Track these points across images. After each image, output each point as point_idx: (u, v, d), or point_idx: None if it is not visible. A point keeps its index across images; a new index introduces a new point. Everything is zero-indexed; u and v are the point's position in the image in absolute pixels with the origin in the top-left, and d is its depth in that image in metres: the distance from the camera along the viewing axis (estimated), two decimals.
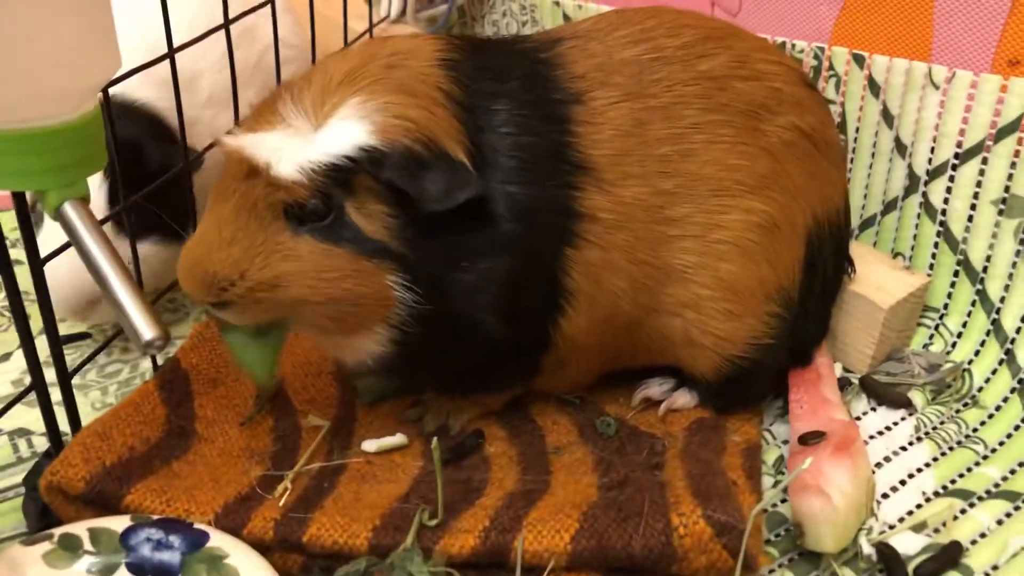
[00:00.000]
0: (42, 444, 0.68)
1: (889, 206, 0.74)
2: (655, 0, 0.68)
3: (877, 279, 0.68)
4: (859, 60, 0.73)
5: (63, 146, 0.46)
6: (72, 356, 0.76)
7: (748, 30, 0.78)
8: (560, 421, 0.63)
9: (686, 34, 0.59)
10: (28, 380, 0.59)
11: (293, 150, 0.51)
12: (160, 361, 0.71)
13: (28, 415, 0.70)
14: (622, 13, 0.61)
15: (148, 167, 0.71)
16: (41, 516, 0.59)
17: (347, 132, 0.50)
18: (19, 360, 0.76)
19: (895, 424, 0.65)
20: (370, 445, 0.61)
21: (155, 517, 0.53)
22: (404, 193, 0.50)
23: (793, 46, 0.78)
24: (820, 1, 0.77)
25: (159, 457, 0.59)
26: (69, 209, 0.47)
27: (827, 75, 0.76)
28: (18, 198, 0.54)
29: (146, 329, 0.45)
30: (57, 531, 0.52)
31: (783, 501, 0.59)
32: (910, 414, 0.65)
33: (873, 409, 0.66)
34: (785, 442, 0.64)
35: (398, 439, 0.62)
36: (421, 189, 0.50)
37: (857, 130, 0.75)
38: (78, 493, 0.56)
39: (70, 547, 0.52)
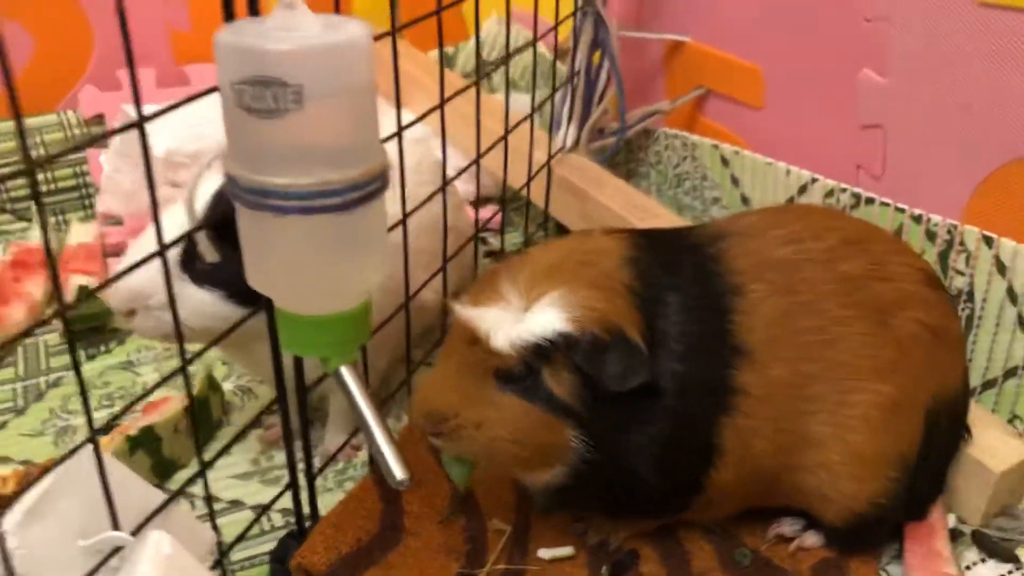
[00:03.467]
0: (277, 519, 0.84)
1: (1009, 373, 0.83)
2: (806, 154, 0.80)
3: (992, 443, 0.77)
4: (988, 241, 0.82)
5: (346, 327, 0.62)
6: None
7: (888, 197, 0.89)
8: (704, 548, 0.75)
9: (829, 238, 0.70)
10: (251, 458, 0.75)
11: (506, 327, 0.65)
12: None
13: (266, 493, 0.87)
14: (777, 213, 0.73)
15: None
16: None
17: (549, 319, 0.64)
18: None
19: None
20: (545, 553, 0.75)
21: None
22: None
23: (929, 219, 0.87)
24: (956, 177, 0.87)
25: (379, 548, 0.74)
26: (344, 371, 0.63)
27: (959, 248, 0.85)
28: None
29: (399, 471, 0.60)
30: None
31: None
32: (1017, 568, 0.74)
33: (983, 560, 0.75)
34: None
35: (568, 550, 0.75)
36: (603, 371, 0.63)
37: (984, 300, 0.84)
38: (319, 575, 0.71)
39: None
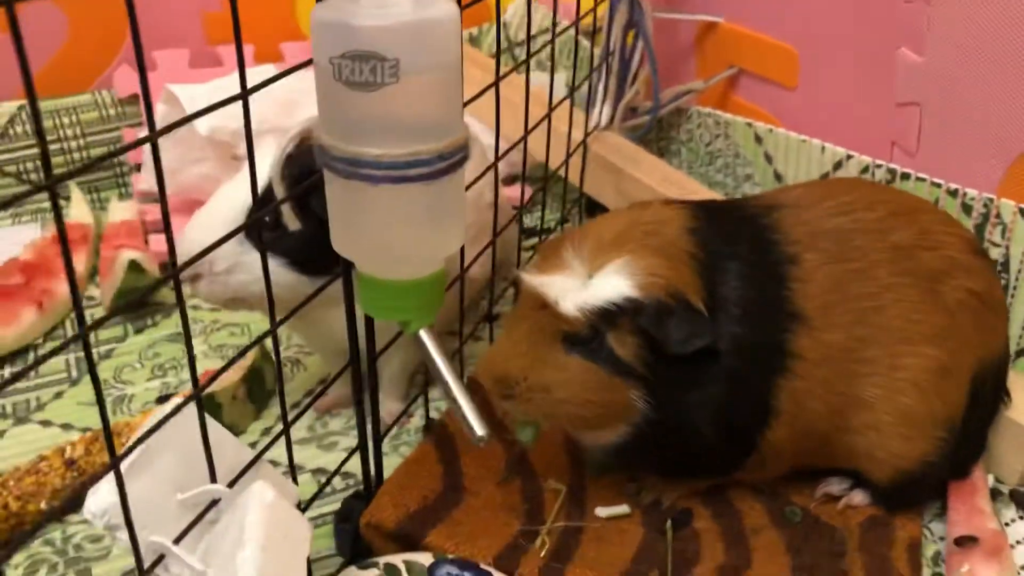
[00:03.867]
0: (336, 482, 0.87)
1: None
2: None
3: None
4: (1023, 212, 0.85)
5: (425, 292, 0.64)
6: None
7: (925, 173, 0.91)
8: (755, 506, 0.78)
9: (879, 209, 0.73)
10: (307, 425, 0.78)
11: (574, 292, 0.68)
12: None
13: (324, 458, 0.90)
14: (826, 186, 0.77)
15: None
16: (352, 545, 0.78)
17: (615, 285, 0.67)
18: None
19: None
20: (602, 512, 0.78)
21: (450, 556, 0.71)
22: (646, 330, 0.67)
23: (965, 193, 0.90)
24: (990, 154, 0.90)
25: (443, 507, 0.77)
26: (423, 333, 0.65)
27: (995, 221, 0.88)
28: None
29: (479, 428, 0.63)
30: (381, 560, 0.71)
31: None
32: None
33: (1021, 517, 0.79)
34: (941, 539, 0.77)
35: (624, 508, 0.78)
36: (667, 335, 0.66)
37: (1019, 271, 0.87)
38: (389, 531, 0.74)
39: (392, 574, 0.70)
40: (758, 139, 1.13)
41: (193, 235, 0.81)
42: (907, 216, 0.74)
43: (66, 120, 1.39)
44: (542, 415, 0.72)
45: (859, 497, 0.77)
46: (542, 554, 0.73)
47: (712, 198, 1.01)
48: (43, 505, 0.82)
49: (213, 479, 0.59)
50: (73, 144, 1.40)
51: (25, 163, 1.38)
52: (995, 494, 0.80)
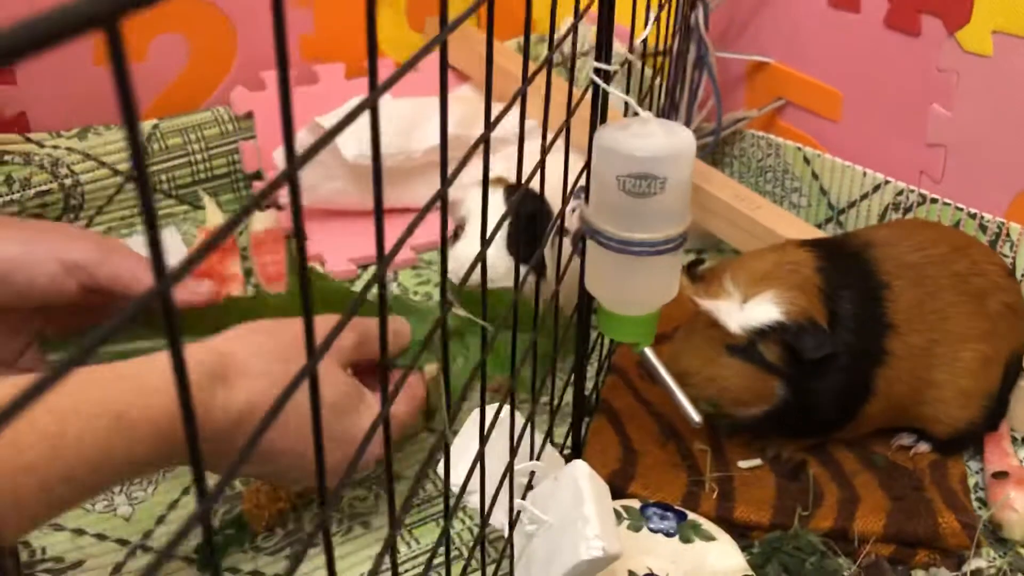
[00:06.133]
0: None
1: None
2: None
3: None
4: None
5: (650, 322, 0.92)
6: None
7: (949, 198, 1.22)
8: (848, 456, 1.09)
9: (943, 246, 1.04)
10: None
11: (736, 315, 0.96)
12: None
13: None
14: (904, 227, 1.06)
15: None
16: None
17: (768, 310, 0.95)
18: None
19: None
20: (743, 464, 1.08)
21: (651, 501, 1.00)
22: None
23: (981, 216, 1.21)
24: (1001, 185, 1.21)
25: (631, 465, 1.06)
26: (647, 351, 0.94)
27: (1004, 239, 1.19)
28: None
29: (694, 415, 0.92)
30: None
31: (980, 509, 1.05)
32: None
33: None
34: (978, 472, 1.09)
35: (757, 461, 1.08)
36: (803, 346, 0.95)
37: (1022, 278, 1.19)
38: None
39: (615, 516, 0.99)
40: (807, 160, 1.42)
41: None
42: (962, 251, 1.04)
43: (192, 136, 1.60)
44: (708, 398, 1.01)
45: (924, 447, 1.08)
46: (713, 496, 1.02)
47: (775, 210, 1.31)
48: None
49: (531, 456, 0.87)
50: (199, 157, 1.61)
51: (160, 176, 1.59)
52: (1013, 440, 1.12)
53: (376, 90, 0.40)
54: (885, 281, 1.01)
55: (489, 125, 0.58)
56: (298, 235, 0.36)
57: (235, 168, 1.65)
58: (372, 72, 0.39)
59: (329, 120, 1.44)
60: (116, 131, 1.53)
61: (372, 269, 1.47)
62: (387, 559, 0.55)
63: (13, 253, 0.87)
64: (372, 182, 0.42)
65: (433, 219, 0.54)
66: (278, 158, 1.59)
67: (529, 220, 1.09)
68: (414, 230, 0.46)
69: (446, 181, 0.51)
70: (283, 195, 1.56)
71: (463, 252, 1.07)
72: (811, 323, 0.95)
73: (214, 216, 1.57)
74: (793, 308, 0.95)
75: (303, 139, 1.49)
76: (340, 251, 1.51)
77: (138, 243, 1.54)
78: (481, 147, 0.58)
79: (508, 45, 1.79)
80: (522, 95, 0.64)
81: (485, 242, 0.62)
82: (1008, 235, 1.19)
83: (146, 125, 1.57)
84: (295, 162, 0.34)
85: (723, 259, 1.03)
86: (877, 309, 1.00)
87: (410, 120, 1.52)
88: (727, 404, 1.02)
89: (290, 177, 0.34)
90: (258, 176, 1.64)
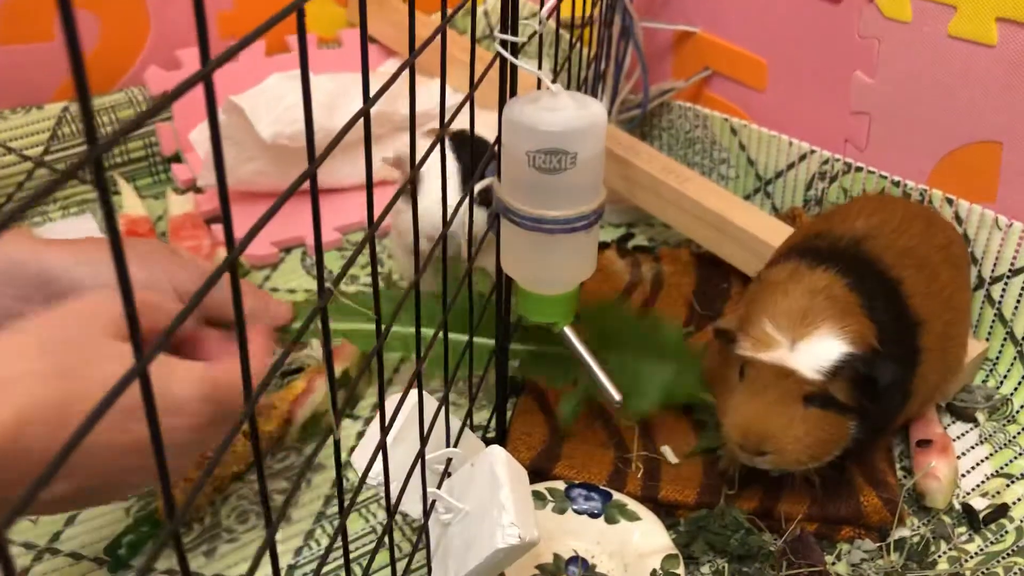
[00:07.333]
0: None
1: None
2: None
3: None
4: (949, 201, 1.17)
5: (569, 302, 0.90)
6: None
7: (873, 166, 1.21)
8: None
9: (919, 222, 1.02)
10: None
11: (806, 359, 0.85)
12: None
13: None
14: (872, 210, 1.03)
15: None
16: None
17: (835, 345, 0.85)
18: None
19: (966, 433, 1.10)
20: (669, 455, 1.06)
21: (576, 482, 0.98)
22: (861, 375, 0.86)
23: (905, 184, 1.21)
24: (923, 153, 1.21)
25: (556, 446, 1.04)
26: (566, 330, 0.92)
27: (927, 206, 1.19)
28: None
29: (615, 394, 0.90)
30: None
31: (904, 477, 1.05)
32: (975, 426, 1.11)
33: (953, 423, 1.12)
34: (904, 441, 1.09)
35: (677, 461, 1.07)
36: (881, 373, 0.83)
37: None
38: (526, 468, 1.01)
39: (539, 498, 0.97)
40: (733, 131, 1.41)
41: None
42: (935, 225, 1.05)
43: (105, 119, 1.54)
44: (792, 462, 0.88)
45: None
46: (639, 476, 1.01)
47: (707, 184, 1.29)
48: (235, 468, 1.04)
49: (447, 444, 0.84)
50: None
51: (72, 161, 1.53)
52: (938, 408, 1.12)
53: (210, 63, 0.36)
54: (896, 276, 0.95)
55: (369, 99, 0.55)
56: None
57: (152, 151, 1.60)
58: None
59: (245, 100, 1.40)
60: (23, 115, 1.47)
61: (296, 251, 1.43)
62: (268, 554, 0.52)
63: (138, 276, 0.81)
64: (291, 162, 0.40)
65: (359, 199, 0.51)
66: (196, 139, 1.53)
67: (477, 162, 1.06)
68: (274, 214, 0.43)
69: (314, 162, 0.48)
70: (202, 178, 1.51)
71: (425, 207, 1.03)
72: (870, 347, 0.86)
73: (132, 201, 1.52)
74: (855, 336, 0.85)
75: (220, 121, 1.43)
76: (261, 234, 1.46)
77: (52, 231, 1.49)
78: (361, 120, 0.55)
79: (435, 18, 1.75)
80: (411, 67, 0.61)
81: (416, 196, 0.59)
82: (931, 202, 1.19)
83: (55, 108, 1.51)
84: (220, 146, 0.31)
85: (733, 313, 0.98)
86: (903, 308, 0.94)
87: (332, 96, 1.48)
88: (808, 461, 0.89)
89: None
90: (176, 158, 1.58)
